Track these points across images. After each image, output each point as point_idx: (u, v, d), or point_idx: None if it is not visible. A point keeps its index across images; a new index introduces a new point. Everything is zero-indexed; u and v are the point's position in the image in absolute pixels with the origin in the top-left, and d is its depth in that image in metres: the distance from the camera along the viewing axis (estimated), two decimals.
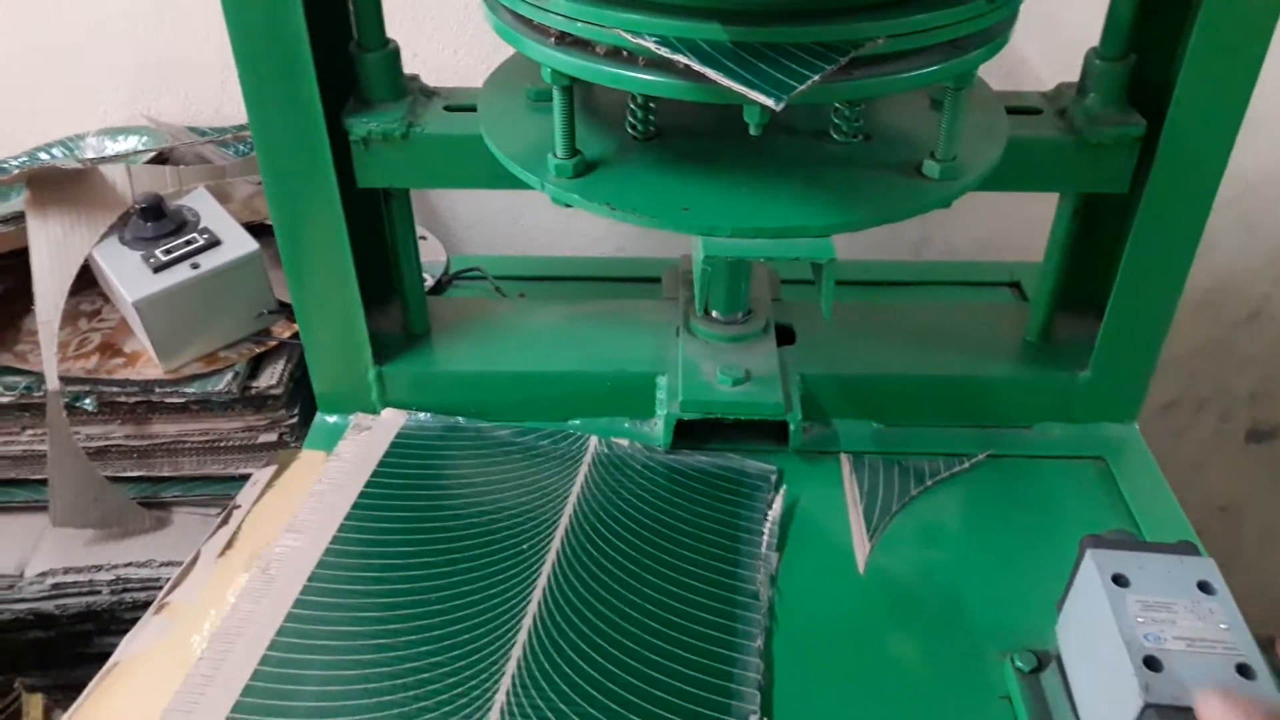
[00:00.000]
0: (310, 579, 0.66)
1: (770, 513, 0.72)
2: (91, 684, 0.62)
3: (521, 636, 0.62)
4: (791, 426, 0.76)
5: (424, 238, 1.02)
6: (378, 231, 0.78)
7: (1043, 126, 0.71)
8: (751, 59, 0.52)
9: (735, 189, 0.62)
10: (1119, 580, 0.55)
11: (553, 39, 0.58)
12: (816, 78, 0.51)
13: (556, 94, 0.60)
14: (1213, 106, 0.65)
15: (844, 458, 0.78)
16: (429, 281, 0.95)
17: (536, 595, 0.65)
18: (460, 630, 0.63)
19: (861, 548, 0.70)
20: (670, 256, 0.93)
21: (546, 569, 0.67)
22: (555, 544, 0.68)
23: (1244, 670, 0.50)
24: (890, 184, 0.62)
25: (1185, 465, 1.39)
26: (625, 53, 0.56)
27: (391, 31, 0.71)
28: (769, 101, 0.49)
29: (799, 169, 0.63)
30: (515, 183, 0.66)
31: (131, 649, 0.64)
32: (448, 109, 0.73)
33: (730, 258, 0.61)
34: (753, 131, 0.56)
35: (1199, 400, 1.32)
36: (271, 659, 0.61)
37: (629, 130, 0.66)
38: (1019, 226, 0.99)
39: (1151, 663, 0.50)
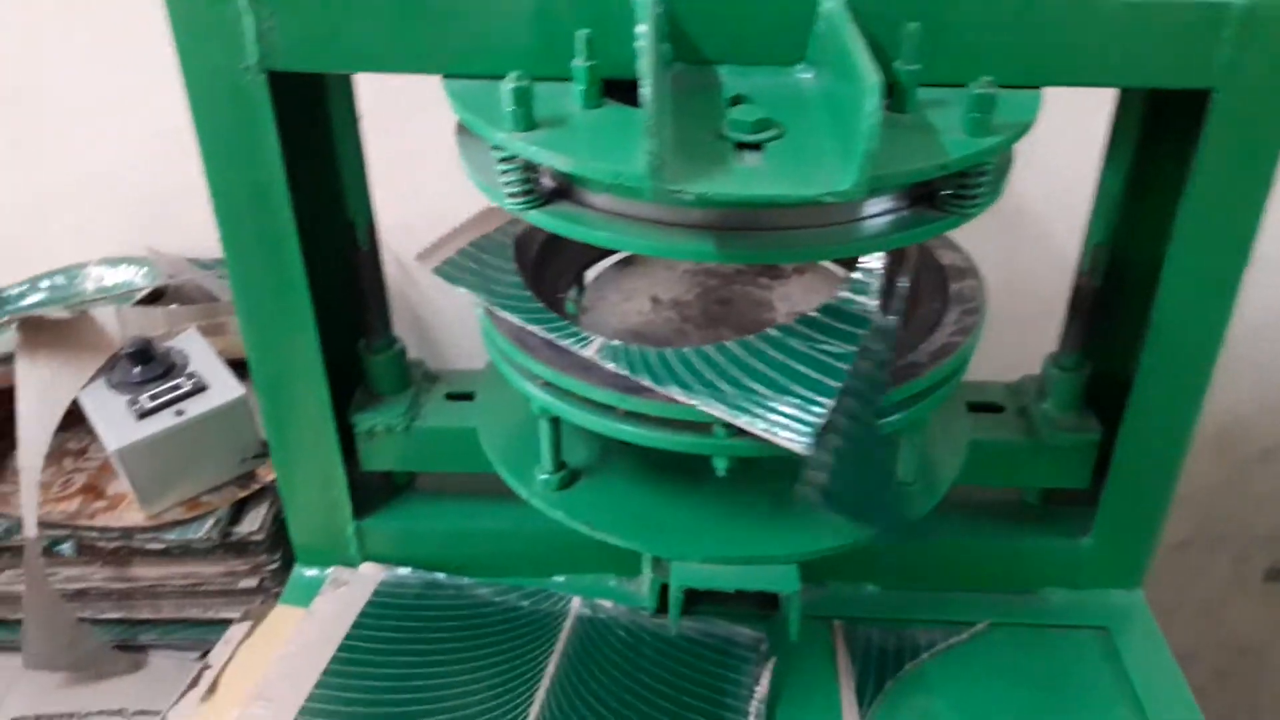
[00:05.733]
0: None
1: (757, 689, 0.69)
2: None
3: None
4: (783, 598, 0.73)
5: None
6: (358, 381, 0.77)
7: (1003, 427, 0.75)
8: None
9: (707, 504, 0.64)
10: None
11: (540, 383, 0.60)
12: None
13: (543, 424, 0.63)
14: (1168, 412, 0.68)
15: (837, 624, 0.75)
16: None
17: None
18: None
19: None
20: None
21: None
22: None
23: None
24: None
25: (1201, 606, 1.35)
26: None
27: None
28: (798, 448, 0.50)
29: (767, 484, 0.65)
30: None
31: None
32: (449, 397, 0.77)
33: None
34: (720, 473, 0.59)
35: (1213, 540, 1.29)
36: None
37: None
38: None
39: None
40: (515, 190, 0.54)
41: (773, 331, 0.54)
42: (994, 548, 0.77)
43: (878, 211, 0.52)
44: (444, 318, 1.10)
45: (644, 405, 0.57)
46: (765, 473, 0.64)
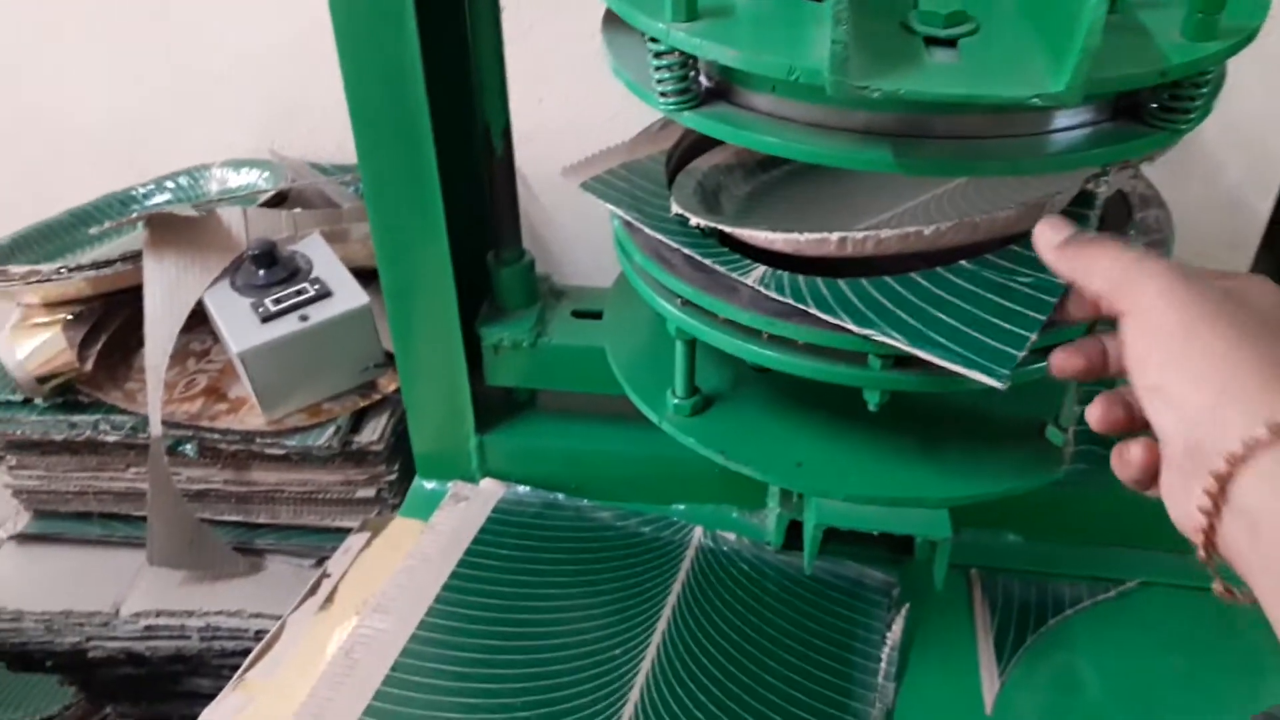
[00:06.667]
0: (393, 669, 0.63)
1: (889, 635, 0.65)
2: None
3: None
4: (922, 543, 0.69)
5: None
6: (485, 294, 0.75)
7: None
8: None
9: (850, 440, 0.59)
10: None
11: (679, 302, 0.56)
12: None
13: (679, 346, 0.59)
14: None
15: (974, 573, 0.71)
16: None
17: (628, 710, 0.60)
18: None
19: (990, 684, 0.63)
20: None
21: (640, 680, 0.62)
22: (650, 652, 0.63)
23: None
24: (1011, 450, 0.59)
25: None
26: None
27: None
28: (994, 382, 0.45)
29: (917, 420, 0.60)
30: None
31: None
32: (575, 314, 0.74)
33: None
34: (871, 408, 0.55)
35: None
36: None
37: None
38: None
39: None
40: (669, 88, 0.49)
41: (965, 264, 0.49)
42: (1147, 501, 0.71)
43: (1076, 123, 0.47)
44: (563, 234, 1.07)
45: (793, 330, 0.53)
46: (913, 410, 0.60)
